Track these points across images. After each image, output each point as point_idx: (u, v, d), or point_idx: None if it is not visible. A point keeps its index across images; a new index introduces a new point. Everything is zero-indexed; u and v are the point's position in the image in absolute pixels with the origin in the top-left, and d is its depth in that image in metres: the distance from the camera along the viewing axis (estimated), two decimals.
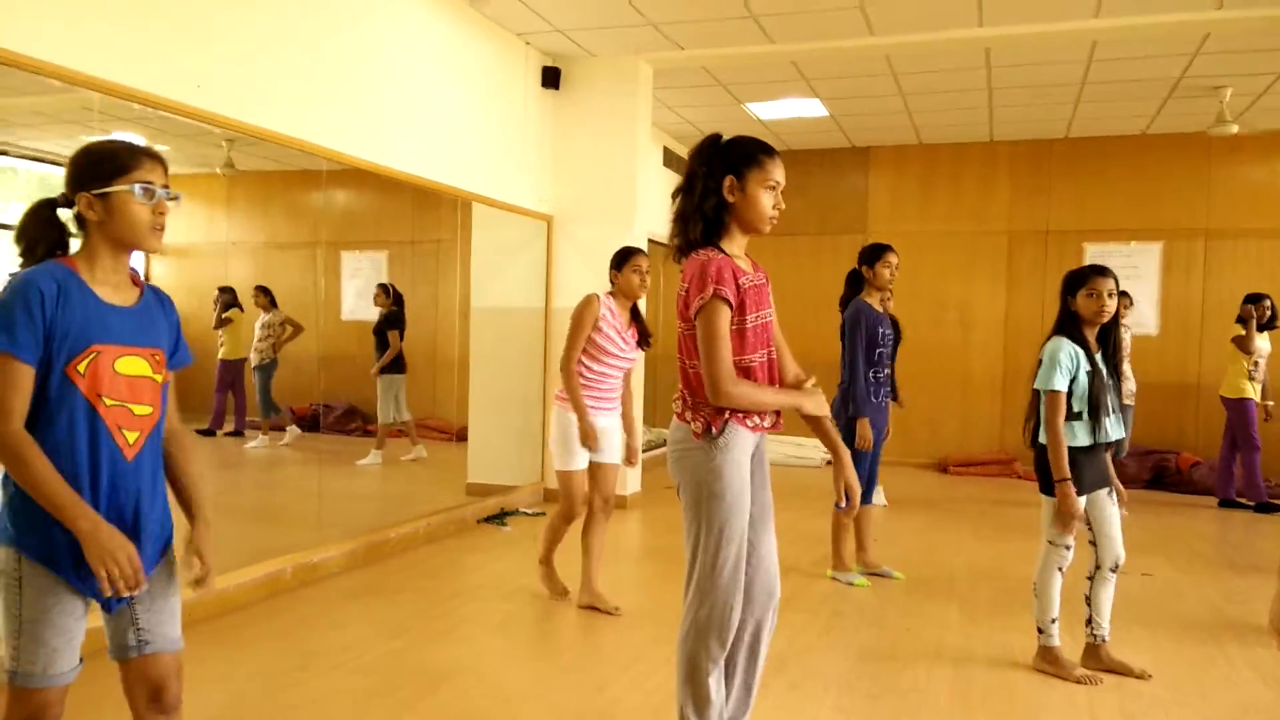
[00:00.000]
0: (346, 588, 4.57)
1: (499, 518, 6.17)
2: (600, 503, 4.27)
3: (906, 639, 3.97)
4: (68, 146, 6.87)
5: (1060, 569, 3.50)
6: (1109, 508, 3.50)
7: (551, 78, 6.68)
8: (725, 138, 2.45)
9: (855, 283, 4.89)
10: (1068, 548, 3.48)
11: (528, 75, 6.53)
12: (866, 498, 4.84)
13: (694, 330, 2.37)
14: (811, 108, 8.00)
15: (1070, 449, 3.40)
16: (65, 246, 1.88)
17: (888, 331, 4.80)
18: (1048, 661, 3.54)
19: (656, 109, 7.78)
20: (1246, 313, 7.08)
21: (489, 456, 6.76)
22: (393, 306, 7.69)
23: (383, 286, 7.75)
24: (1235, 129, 7.39)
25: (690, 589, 2.43)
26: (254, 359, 7.11)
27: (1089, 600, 3.55)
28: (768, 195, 2.39)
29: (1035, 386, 3.48)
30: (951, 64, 6.80)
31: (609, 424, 4.19)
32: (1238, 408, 7.03)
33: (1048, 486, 3.46)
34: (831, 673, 3.56)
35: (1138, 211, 8.70)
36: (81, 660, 1.88)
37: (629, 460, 4.34)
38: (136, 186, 1.81)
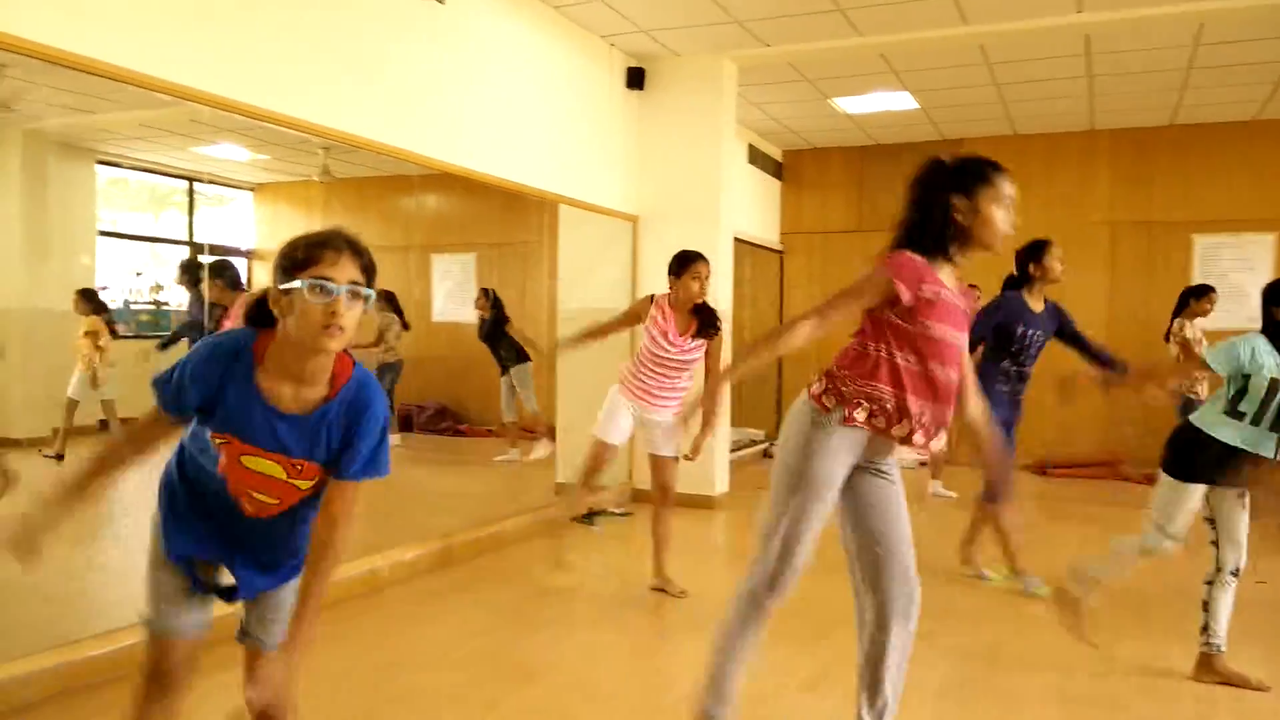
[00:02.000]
0: (437, 586, 4.66)
1: (588, 518, 6.21)
2: (660, 493, 4.49)
3: (1011, 644, 3.84)
4: (177, 158, 7.21)
5: (1150, 550, 3.37)
6: (1238, 510, 3.31)
7: (636, 78, 6.69)
8: (954, 156, 2.46)
9: (1014, 284, 4.67)
10: (1170, 539, 3.31)
11: (612, 76, 6.55)
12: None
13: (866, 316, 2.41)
14: (901, 100, 7.83)
15: (1218, 442, 3.23)
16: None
17: (1039, 332, 4.58)
18: (1208, 670, 3.38)
19: (741, 106, 7.72)
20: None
21: (578, 456, 6.80)
22: (493, 310, 7.90)
23: (484, 291, 7.97)
24: None
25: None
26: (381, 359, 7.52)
27: (1206, 606, 3.37)
28: (1001, 213, 2.39)
29: (1203, 359, 3.33)
30: (1049, 52, 6.57)
31: (663, 419, 4.34)
32: None
33: (1172, 467, 3.31)
34: (921, 678, 3.47)
35: (1249, 201, 8.26)
36: (203, 628, 2.01)
37: (691, 453, 4.29)
38: (309, 282, 1.71)
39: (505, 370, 7.85)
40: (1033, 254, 4.58)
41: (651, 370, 4.29)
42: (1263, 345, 3.23)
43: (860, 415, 2.37)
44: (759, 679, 2.46)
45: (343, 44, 4.26)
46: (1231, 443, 3.23)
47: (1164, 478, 3.35)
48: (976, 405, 2.53)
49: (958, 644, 3.84)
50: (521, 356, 7.82)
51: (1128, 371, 4.31)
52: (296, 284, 1.72)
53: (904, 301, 2.31)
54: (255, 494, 1.90)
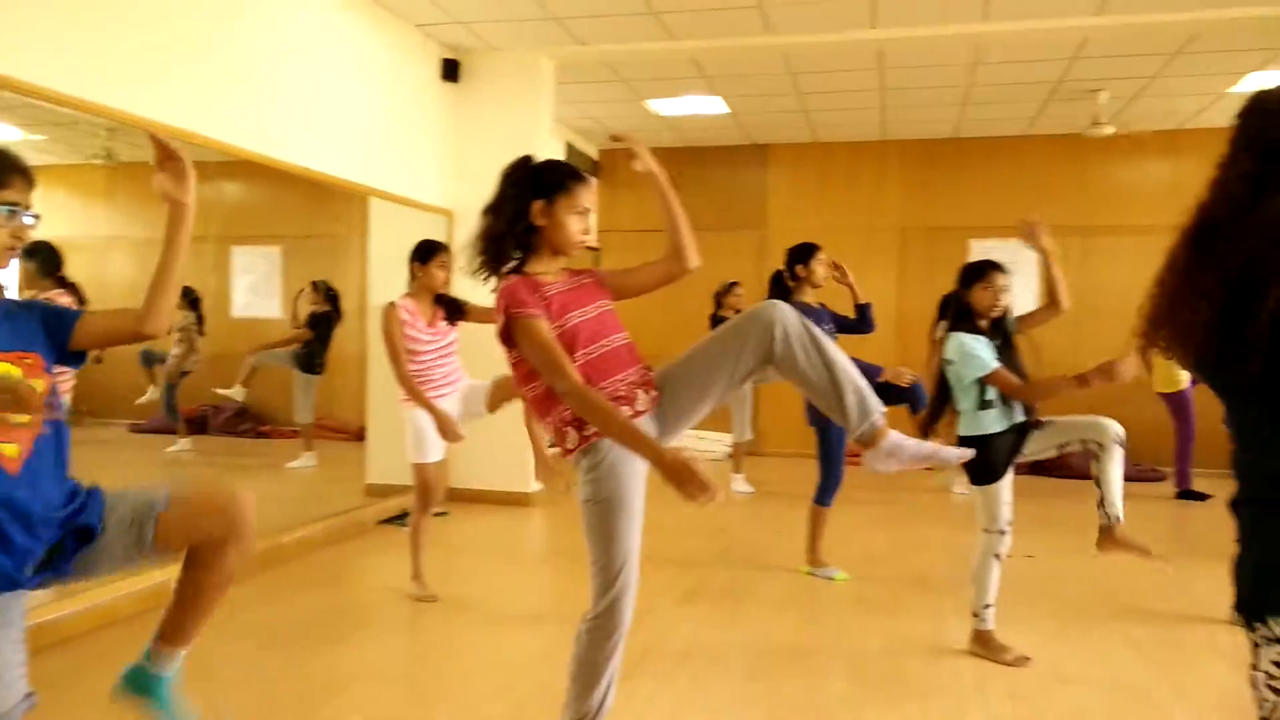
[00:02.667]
0: (238, 596, 4.41)
1: (400, 518, 6.07)
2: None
3: (812, 628, 4.06)
4: None
5: (998, 555, 3.59)
6: (1000, 496, 3.61)
7: (451, 70, 6.58)
8: (536, 160, 2.50)
9: (779, 285, 4.93)
10: (1003, 533, 3.57)
11: (426, 68, 6.41)
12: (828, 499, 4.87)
13: (519, 357, 2.39)
14: (713, 105, 8.10)
15: (988, 435, 3.51)
16: None
17: (827, 327, 4.81)
18: (982, 645, 3.64)
19: (559, 104, 7.74)
20: None
21: (389, 457, 6.62)
22: (326, 305, 7.51)
23: (314, 284, 7.55)
24: (1110, 130, 7.79)
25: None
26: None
27: (978, 580, 3.65)
28: (576, 220, 2.42)
29: (976, 376, 3.52)
30: (846, 65, 6.97)
31: (454, 402, 4.32)
32: (1176, 401, 7.25)
33: (977, 477, 3.57)
34: (729, 661, 3.62)
35: (1018, 209, 8.97)
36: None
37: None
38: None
39: (307, 370, 7.48)
40: (800, 257, 4.86)
41: (427, 365, 4.25)
42: (969, 339, 3.56)
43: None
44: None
45: (128, 16, 3.95)
46: (1000, 429, 3.55)
47: (976, 490, 3.61)
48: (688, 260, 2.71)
49: (760, 630, 4.02)
50: (320, 366, 7.45)
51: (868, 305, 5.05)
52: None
53: (542, 314, 2.32)
54: (9, 416, 1.84)
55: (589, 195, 2.45)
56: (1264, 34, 6.05)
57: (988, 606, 3.63)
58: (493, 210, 2.47)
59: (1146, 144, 8.77)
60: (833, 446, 4.77)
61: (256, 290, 8.43)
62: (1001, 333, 3.66)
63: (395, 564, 5.05)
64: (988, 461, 3.54)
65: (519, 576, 4.97)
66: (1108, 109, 7.74)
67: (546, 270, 2.44)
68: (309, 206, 7.90)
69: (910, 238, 9.38)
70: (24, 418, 1.82)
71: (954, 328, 3.65)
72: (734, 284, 7.58)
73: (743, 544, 5.59)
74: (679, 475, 2.16)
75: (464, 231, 7.23)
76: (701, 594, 4.51)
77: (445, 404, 4.26)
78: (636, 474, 2.39)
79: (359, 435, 6.89)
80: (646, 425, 2.39)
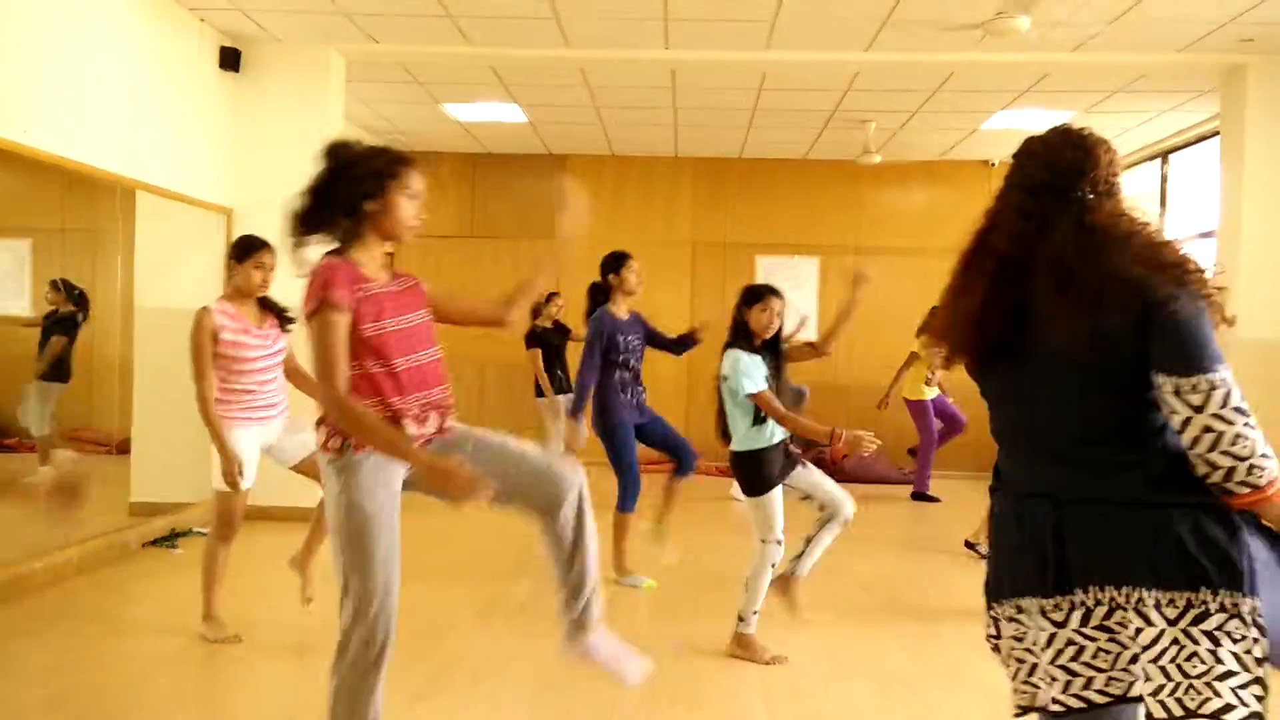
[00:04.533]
0: None
1: (169, 539, 5.62)
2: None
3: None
4: None
5: (773, 564, 3.75)
6: (772, 508, 3.77)
7: (231, 59, 6.19)
8: (363, 142, 2.42)
9: (597, 295, 5.02)
10: (779, 543, 3.73)
11: (202, 55, 6.00)
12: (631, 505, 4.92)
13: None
14: (510, 113, 8.07)
15: (761, 449, 3.69)
16: None
17: (633, 337, 4.96)
18: (743, 647, 3.79)
19: (350, 103, 7.46)
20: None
21: (157, 472, 6.12)
22: (69, 306, 6.75)
23: (53, 283, 6.75)
24: (878, 159, 8.42)
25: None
26: None
27: (752, 586, 3.79)
28: (408, 204, 2.35)
29: (745, 394, 3.67)
30: (641, 81, 7.15)
31: (280, 427, 3.95)
32: (918, 409, 7.89)
33: (751, 488, 3.73)
34: (528, 675, 3.61)
35: (799, 228, 9.66)
36: None
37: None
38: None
39: (53, 377, 6.72)
40: (612, 266, 4.99)
41: (257, 380, 3.81)
42: (745, 354, 3.76)
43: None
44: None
45: None
46: (772, 441, 3.76)
47: (750, 501, 3.77)
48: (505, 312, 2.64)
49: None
50: (63, 375, 6.73)
51: (697, 341, 5.18)
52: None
53: (350, 311, 2.24)
54: None
55: (418, 178, 2.37)
56: (1011, 77, 6.76)
57: (755, 612, 3.79)
58: (316, 192, 2.35)
59: (908, 172, 9.56)
60: (622, 450, 4.86)
61: (1, 287, 7.57)
62: (774, 353, 3.87)
63: (165, 591, 4.68)
64: (760, 474, 3.73)
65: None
66: (876, 139, 8.37)
67: (371, 259, 2.35)
68: (66, 198, 7.20)
69: (701, 253, 9.74)
70: None
71: (731, 345, 3.82)
72: (553, 294, 7.54)
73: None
74: (441, 478, 2.16)
75: (243, 231, 6.82)
76: (500, 607, 4.47)
77: (271, 430, 3.89)
78: (393, 483, 2.31)
79: (121, 448, 6.33)
80: (434, 450, 2.34)
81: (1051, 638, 1.65)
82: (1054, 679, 1.65)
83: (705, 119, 8.17)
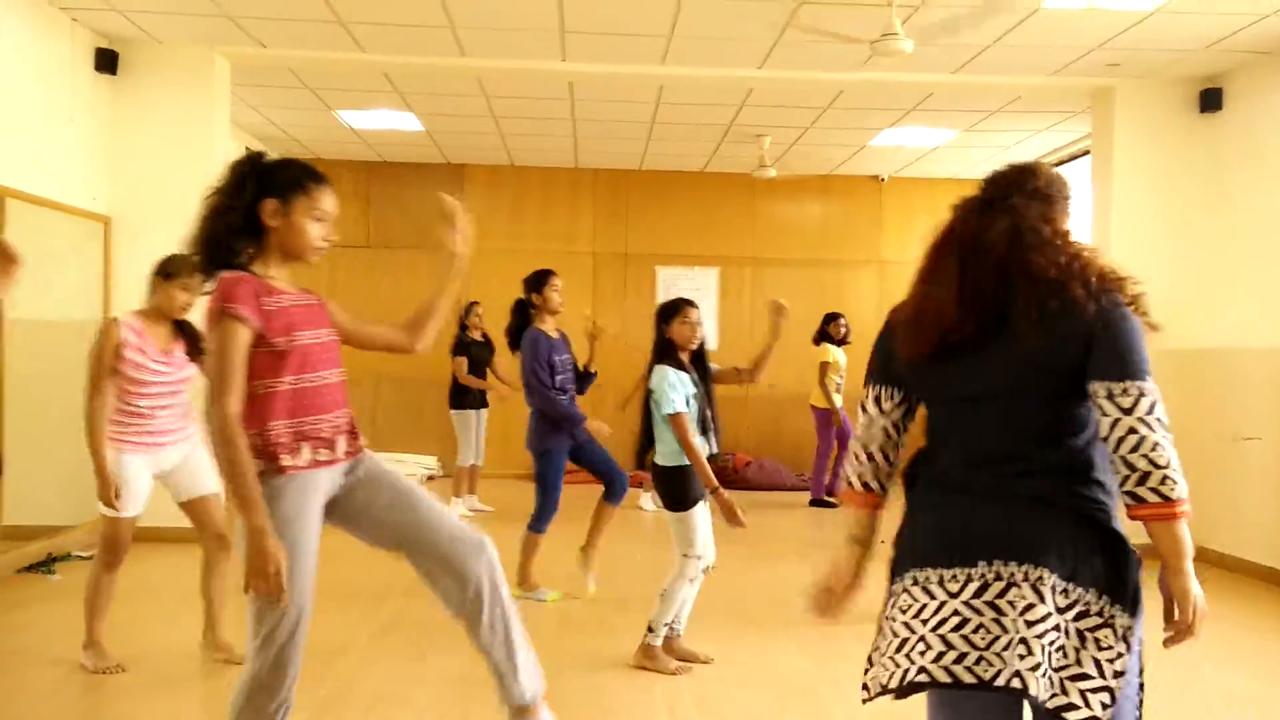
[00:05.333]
0: None
1: (46, 565, 5.32)
2: (215, 542, 3.78)
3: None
4: None
5: (692, 579, 3.73)
6: (706, 514, 3.79)
7: (107, 61, 5.92)
8: (269, 157, 2.34)
9: (523, 312, 4.94)
10: (699, 558, 3.72)
11: (75, 56, 5.72)
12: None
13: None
14: (406, 121, 7.95)
15: (683, 466, 3.69)
16: None
17: (566, 356, 4.90)
18: (650, 658, 3.79)
19: (238, 108, 7.22)
20: (837, 334, 7.98)
21: (31, 493, 5.78)
22: None
23: None
24: (773, 173, 8.61)
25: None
26: None
27: (667, 598, 3.80)
28: (315, 225, 2.28)
29: (664, 412, 3.67)
30: (539, 92, 7.14)
31: (188, 451, 3.74)
32: (823, 416, 7.98)
33: (674, 504, 3.72)
34: (430, 694, 3.55)
35: (698, 240, 9.80)
36: None
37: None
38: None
39: None
40: (535, 284, 4.91)
41: (152, 405, 3.61)
42: (672, 372, 3.76)
43: (288, 460, 2.20)
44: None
45: None
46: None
47: (670, 515, 3.77)
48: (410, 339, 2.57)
49: (458, 662, 3.98)
50: None
51: (594, 375, 5.26)
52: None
53: (255, 326, 2.16)
54: None
55: (329, 199, 2.30)
56: (897, 96, 7.01)
57: (667, 625, 3.79)
58: (214, 207, 2.26)
59: (802, 186, 9.80)
60: (551, 472, 4.80)
61: None
62: (700, 366, 3.88)
63: (44, 620, 4.43)
64: (685, 490, 3.73)
65: (192, 622, 4.53)
66: (771, 153, 8.56)
67: (276, 276, 2.27)
68: None
69: (602, 263, 9.77)
70: None
71: (659, 361, 3.80)
72: (474, 304, 7.41)
73: None
74: (258, 562, 2.08)
75: (124, 240, 6.53)
76: (397, 627, 4.37)
77: (183, 451, 3.70)
78: (314, 510, 2.25)
79: None
80: (335, 476, 2.30)
81: (940, 607, 1.69)
82: (928, 648, 1.67)
83: (604, 130, 8.21)
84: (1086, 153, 7.42)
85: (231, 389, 2.13)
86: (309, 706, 3.33)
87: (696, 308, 3.91)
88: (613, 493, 4.94)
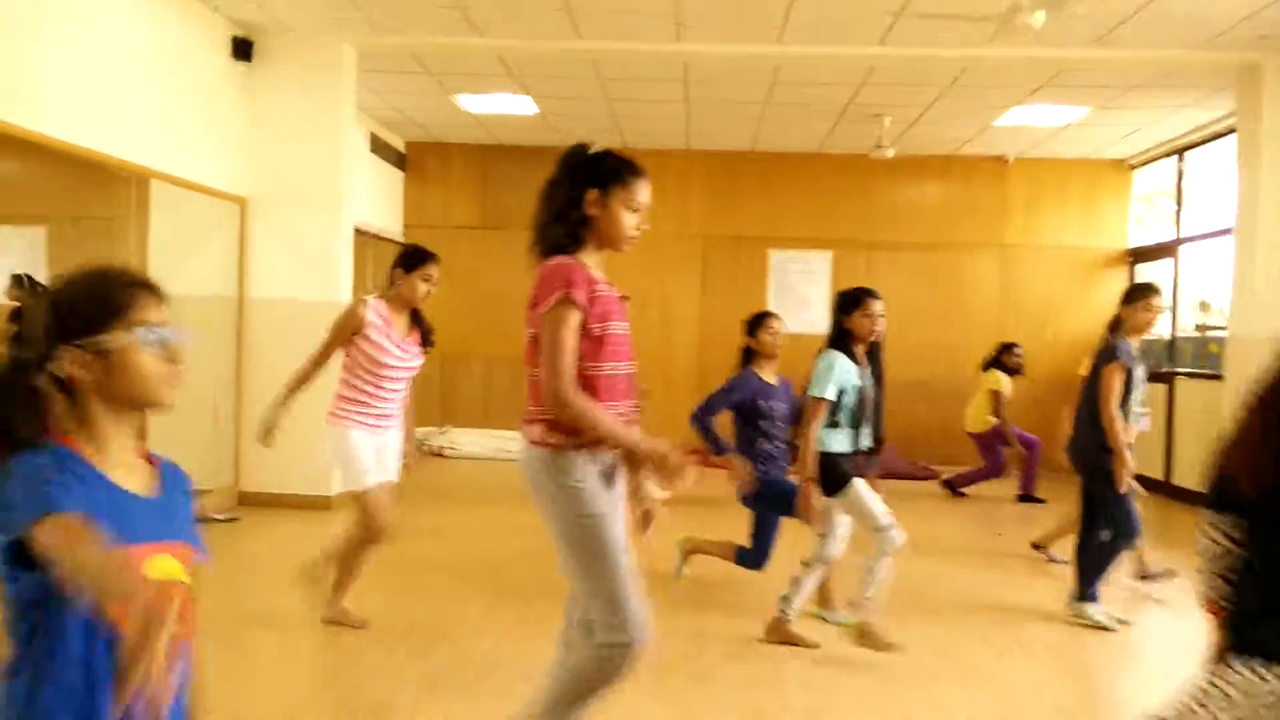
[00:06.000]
0: None
1: None
2: (379, 530, 3.85)
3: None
4: None
5: (891, 550, 3.64)
6: (865, 487, 3.71)
7: (243, 50, 6.22)
8: (593, 149, 2.42)
9: (746, 354, 4.51)
10: (890, 527, 3.62)
11: (215, 45, 6.03)
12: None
13: (537, 340, 2.28)
14: (522, 104, 8.07)
15: (829, 453, 3.65)
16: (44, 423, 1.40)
17: (776, 403, 4.35)
18: (866, 636, 3.66)
19: (363, 93, 7.48)
20: (1012, 364, 7.71)
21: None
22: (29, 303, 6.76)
23: (16, 278, 6.70)
24: (892, 153, 8.39)
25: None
26: None
27: (797, 582, 3.77)
28: (630, 214, 2.38)
29: (810, 392, 3.63)
30: (653, 74, 7.14)
31: (392, 440, 3.88)
32: (984, 442, 7.64)
33: (830, 487, 3.67)
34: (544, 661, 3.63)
35: (811, 222, 9.64)
36: None
37: (406, 465, 3.98)
38: (142, 332, 1.43)
39: None
40: (751, 327, 4.51)
41: (379, 386, 3.74)
42: (842, 359, 3.68)
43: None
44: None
45: None
46: (842, 450, 3.70)
47: (837, 501, 3.70)
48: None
49: None
50: None
51: None
52: (121, 337, 1.42)
53: (585, 310, 2.26)
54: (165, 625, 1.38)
55: (645, 191, 2.41)
56: (1025, 73, 6.72)
57: (868, 598, 3.64)
58: (547, 197, 2.40)
59: (922, 167, 9.52)
60: (767, 530, 4.39)
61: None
62: (875, 361, 3.76)
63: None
64: (834, 473, 3.67)
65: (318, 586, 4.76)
66: (890, 133, 8.33)
67: (593, 265, 2.36)
68: (79, 186, 7.25)
69: (712, 246, 9.72)
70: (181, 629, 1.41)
71: (832, 347, 3.71)
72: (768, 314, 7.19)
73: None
74: (662, 463, 2.22)
75: (258, 221, 6.85)
76: (509, 598, 4.48)
77: (392, 438, 3.85)
78: (614, 490, 2.36)
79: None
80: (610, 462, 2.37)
81: None
82: None
83: (718, 112, 8.15)
84: (1230, 131, 6.96)
85: (567, 366, 2.22)
86: (419, 677, 3.45)
87: (880, 300, 3.74)
88: (746, 558, 4.51)
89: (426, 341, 3.95)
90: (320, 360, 3.76)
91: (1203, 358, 7.99)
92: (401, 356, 3.80)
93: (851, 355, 3.72)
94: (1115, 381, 4.20)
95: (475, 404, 9.62)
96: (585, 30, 6.03)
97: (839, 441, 3.73)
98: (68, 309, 1.43)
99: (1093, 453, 4.26)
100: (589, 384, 2.27)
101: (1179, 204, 8.56)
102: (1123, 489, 4.12)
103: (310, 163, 6.42)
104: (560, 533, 2.29)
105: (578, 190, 2.35)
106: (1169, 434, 8.43)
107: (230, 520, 5.91)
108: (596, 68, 6.95)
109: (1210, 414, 7.12)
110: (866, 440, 3.78)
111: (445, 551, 5.23)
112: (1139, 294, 4.48)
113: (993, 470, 7.73)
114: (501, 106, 8.18)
